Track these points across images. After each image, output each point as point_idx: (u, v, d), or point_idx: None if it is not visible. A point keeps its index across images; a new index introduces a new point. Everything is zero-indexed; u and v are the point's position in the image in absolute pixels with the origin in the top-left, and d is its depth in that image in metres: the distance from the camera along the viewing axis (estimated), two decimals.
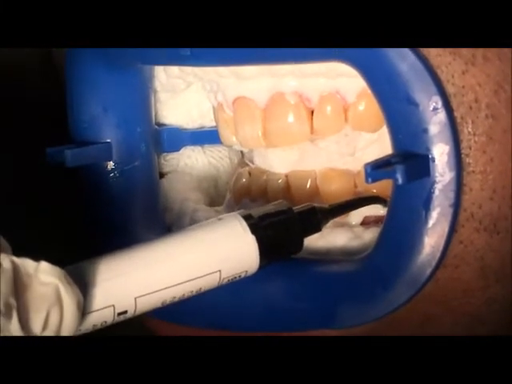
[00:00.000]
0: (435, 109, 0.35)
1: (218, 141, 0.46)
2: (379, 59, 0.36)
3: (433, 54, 0.36)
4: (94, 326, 0.32)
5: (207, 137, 0.48)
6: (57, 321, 0.29)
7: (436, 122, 0.35)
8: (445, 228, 0.36)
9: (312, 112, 0.42)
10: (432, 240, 0.36)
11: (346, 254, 0.40)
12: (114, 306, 0.33)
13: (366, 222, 0.43)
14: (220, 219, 0.36)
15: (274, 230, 0.37)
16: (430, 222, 0.36)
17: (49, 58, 0.55)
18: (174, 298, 0.34)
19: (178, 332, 0.42)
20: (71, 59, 0.44)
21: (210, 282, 0.35)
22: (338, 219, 0.41)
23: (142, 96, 0.45)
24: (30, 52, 0.54)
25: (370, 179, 0.34)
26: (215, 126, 0.46)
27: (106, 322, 0.33)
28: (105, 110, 0.43)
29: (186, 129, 0.48)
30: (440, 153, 0.36)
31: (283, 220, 0.37)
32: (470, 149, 0.36)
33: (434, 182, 0.36)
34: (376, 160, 0.35)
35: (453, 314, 0.38)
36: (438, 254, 0.36)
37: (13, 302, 0.28)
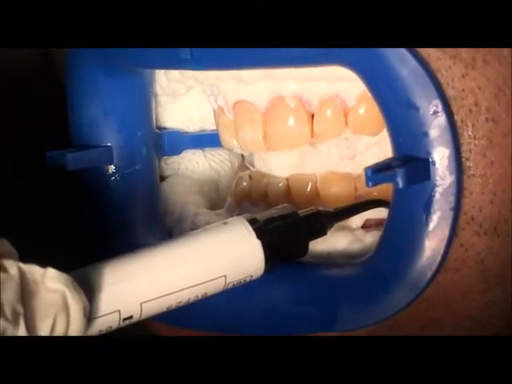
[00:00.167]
0: (435, 112, 0.36)
1: (219, 144, 0.46)
2: (379, 63, 0.36)
3: (433, 57, 0.36)
4: (99, 331, 0.32)
5: (208, 140, 0.48)
6: (63, 327, 0.29)
7: (436, 126, 0.35)
8: (445, 231, 0.36)
9: (312, 116, 0.42)
10: (433, 243, 0.36)
11: (346, 257, 0.40)
12: (119, 311, 0.32)
13: (366, 225, 0.43)
14: (225, 223, 0.36)
15: (280, 235, 0.36)
16: (431, 226, 0.36)
17: (49, 58, 0.55)
18: (180, 302, 0.34)
19: (181, 335, 0.42)
20: (72, 63, 0.44)
21: (215, 286, 0.35)
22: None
23: (142, 100, 0.45)
24: (30, 52, 0.54)
25: (370, 183, 0.34)
26: (216, 130, 0.46)
27: (111, 327, 0.33)
28: (106, 113, 0.43)
29: (186, 132, 0.48)
30: (440, 156, 0.36)
31: (288, 224, 0.37)
32: (471, 152, 0.36)
33: (434, 186, 0.36)
34: (376, 164, 0.35)
35: (453, 317, 0.38)
36: (439, 258, 0.36)
37: (20, 309, 0.28)
